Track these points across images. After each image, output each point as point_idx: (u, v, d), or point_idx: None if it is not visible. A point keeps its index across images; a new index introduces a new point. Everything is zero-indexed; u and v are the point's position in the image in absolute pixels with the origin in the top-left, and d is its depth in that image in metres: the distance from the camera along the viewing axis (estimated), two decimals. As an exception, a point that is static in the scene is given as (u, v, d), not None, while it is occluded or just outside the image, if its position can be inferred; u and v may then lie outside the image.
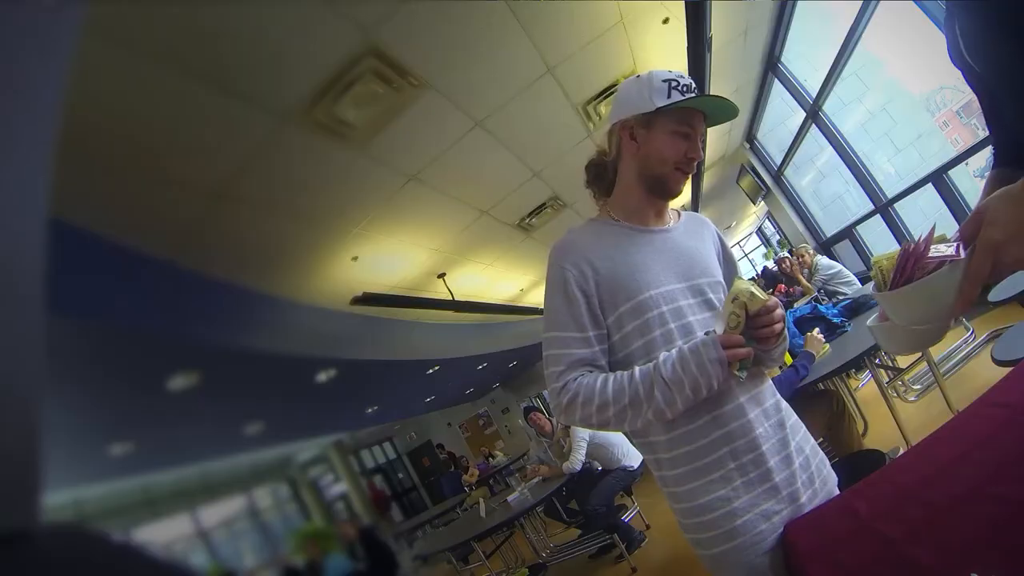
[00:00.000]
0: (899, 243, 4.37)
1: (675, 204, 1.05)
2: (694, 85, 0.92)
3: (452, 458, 8.70)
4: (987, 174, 0.85)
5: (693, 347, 0.82)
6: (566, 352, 0.88)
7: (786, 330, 0.89)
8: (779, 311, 0.85)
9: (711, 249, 1.02)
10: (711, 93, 0.95)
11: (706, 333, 0.83)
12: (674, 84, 0.91)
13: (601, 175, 1.01)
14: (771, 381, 0.98)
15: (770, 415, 0.92)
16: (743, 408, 0.88)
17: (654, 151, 0.93)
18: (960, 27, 0.74)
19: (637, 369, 0.85)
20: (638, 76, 0.95)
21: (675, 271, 0.93)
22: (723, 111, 0.94)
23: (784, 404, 0.97)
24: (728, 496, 0.86)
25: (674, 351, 0.84)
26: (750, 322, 0.82)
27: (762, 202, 6.71)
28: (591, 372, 0.88)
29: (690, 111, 0.92)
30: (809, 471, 0.92)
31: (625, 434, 3.50)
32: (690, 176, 0.96)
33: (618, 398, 0.83)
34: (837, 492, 0.96)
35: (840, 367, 2.01)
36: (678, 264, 0.94)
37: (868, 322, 0.82)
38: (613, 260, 0.91)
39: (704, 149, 0.97)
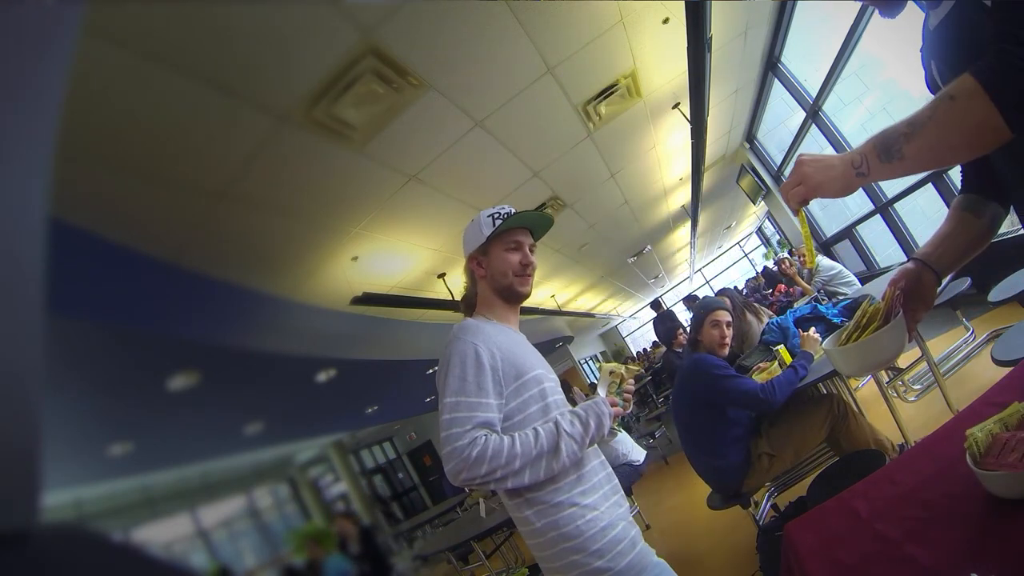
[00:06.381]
0: (899, 243, 4.39)
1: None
2: (513, 211, 1.19)
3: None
4: (955, 199, 0.90)
5: (586, 406, 1.06)
6: (474, 414, 0.99)
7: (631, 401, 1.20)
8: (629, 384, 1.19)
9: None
10: (531, 211, 1.21)
11: (587, 397, 1.00)
12: (496, 216, 1.17)
13: (470, 303, 1.23)
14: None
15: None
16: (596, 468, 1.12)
17: (495, 268, 1.17)
18: (936, 58, 0.78)
19: (539, 428, 1.02)
20: (472, 220, 1.21)
21: (538, 361, 1.17)
22: (542, 221, 1.22)
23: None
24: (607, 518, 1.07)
25: (566, 412, 1.07)
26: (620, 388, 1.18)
27: (762, 202, 6.71)
28: (492, 434, 1.00)
29: (514, 230, 1.19)
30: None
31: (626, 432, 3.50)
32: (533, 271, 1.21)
33: (526, 452, 0.97)
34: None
35: (840, 367, 2.01)
36: (537, 357, 1.18)
37: (823, 344, 0.89)
38: (507, 345, 1.10)
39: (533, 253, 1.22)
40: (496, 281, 1.18)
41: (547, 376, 1.14)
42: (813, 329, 2.32)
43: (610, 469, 1.16)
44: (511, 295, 1.18)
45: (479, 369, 1.02)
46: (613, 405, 1.09)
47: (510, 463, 0.95)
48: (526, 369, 1.09)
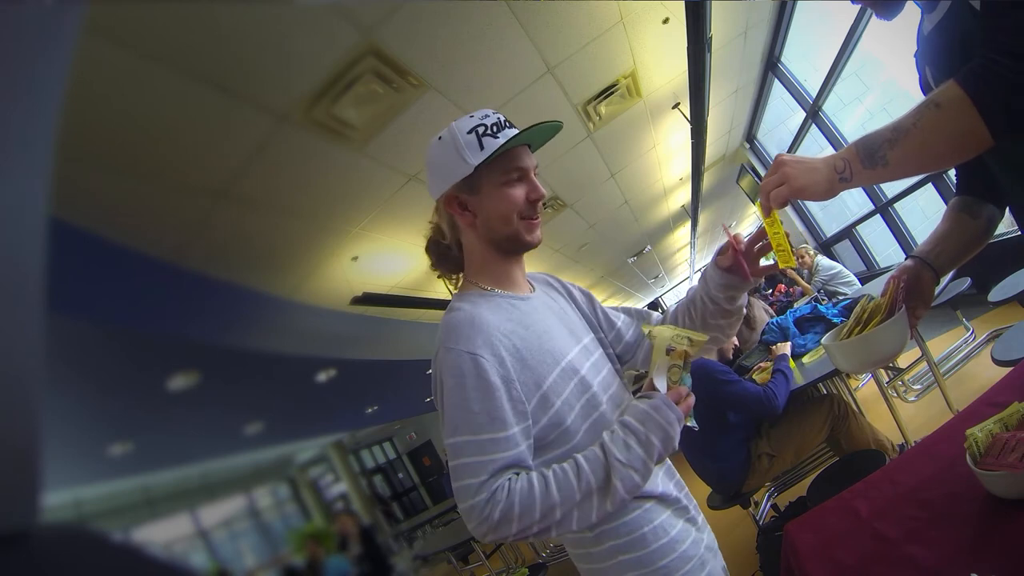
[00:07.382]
0: (899, 243, 4.39)
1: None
2: (504, 118, 0.81)
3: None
4: (951, 200, 0.91)
5: (644, 415, 0.74)
6: (488, 458, 0.71)
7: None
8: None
9: (569, 304, 0.96)
10: (536, 123, 0.81)
11: (640, 396, 0.76)
12: (481, 130, 0.78)
13: (445, 255, 0.89)
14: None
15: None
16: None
17: (492, 212, 0.80)
18: (930, 64, 0.78)
19: (581, 460, 0.73)
20: (440, 138, 0.82)
21: (566, 335, 0.85)
22: (544, 131, 0.82)
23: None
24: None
25: (616, 428, 0.75)
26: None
27: (762, 202, 6.70)
28: (517, 476, 0.72)
29: (513, 151, 0.80)
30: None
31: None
32: (535, 224, 0.84)
33: (566, 496, 0.70)
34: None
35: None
36: (564, 326, 0.87)
37: (823, 340, 0.88)
38: (519, 334, 0.78)
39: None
40: (494, 230, 0.81)
41: (580, 357, 0.83)
42: (778, 343, 2.43)
43: (669, 462, 0.87)
44: (516, 245, 0.83)
45: (486, 392, 0.72)
46: (678, 400, 0.76)
47: (547, 515, 0.70)
48: (552, 362, 0.78)
